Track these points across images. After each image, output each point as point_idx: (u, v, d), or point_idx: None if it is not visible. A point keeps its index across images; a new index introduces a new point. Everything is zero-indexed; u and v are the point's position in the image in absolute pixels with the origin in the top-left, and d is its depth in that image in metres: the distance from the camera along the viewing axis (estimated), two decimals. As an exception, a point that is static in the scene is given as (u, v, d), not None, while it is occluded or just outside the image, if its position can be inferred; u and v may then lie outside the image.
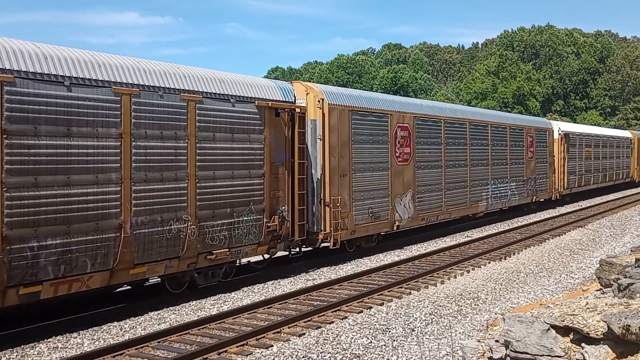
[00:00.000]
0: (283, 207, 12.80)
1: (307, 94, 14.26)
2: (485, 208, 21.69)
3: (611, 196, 34.78)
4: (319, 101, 14.21)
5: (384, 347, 8.41)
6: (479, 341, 6.30)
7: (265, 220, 12.39)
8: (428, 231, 19.60)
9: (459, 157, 20.01)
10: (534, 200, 25.66)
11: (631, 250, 7.93)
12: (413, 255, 15.35)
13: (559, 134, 28.80)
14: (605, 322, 4.47)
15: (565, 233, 19.58)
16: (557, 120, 45.01)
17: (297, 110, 13.38)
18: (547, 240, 18.10)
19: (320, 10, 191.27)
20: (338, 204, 14.43)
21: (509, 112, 45.39)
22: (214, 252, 11.29)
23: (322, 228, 14.15)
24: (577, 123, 57.75)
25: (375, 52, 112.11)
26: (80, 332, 9.19)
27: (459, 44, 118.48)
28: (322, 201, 14.15)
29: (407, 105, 18.01)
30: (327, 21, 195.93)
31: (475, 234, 19.84)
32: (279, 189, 12.81)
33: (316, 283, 12.32)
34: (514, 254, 15.77)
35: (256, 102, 12.27)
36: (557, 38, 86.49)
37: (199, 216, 10.99)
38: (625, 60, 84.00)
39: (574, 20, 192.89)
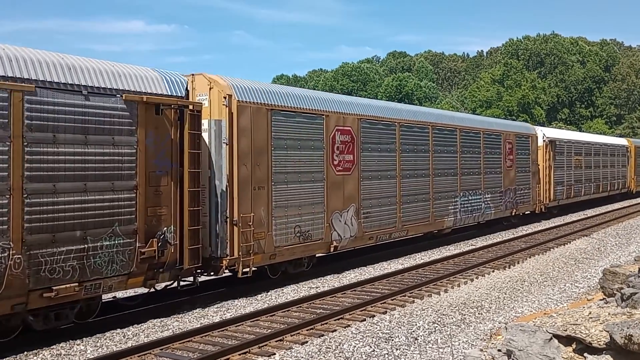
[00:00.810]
0: (167, 228, 10.29)
1: (210, 89, 11.95)
2: (453, 223, 19.18)
3: (604, 208, 32.67)
4: (225, 97, 11.81)
5: (386, 355, 8.39)
6: (481, 350, 6.28)
7: (138, 244, 9.84)
8: (381, 250, 17.20)
9: (419, 165, 17.58)
10: (514, 214, 23.26)
11: (635, 260, 7.89)
12: (417, 264, 15.32)
13: (544, 140, 26.62)
14: (608, 331, 4.45)
15: (570, 242, 19.50)
16: (545, 127, 42.51)
17: (190, 107, 10.76)
18: (551, 249, 18.03)
19: (325, 19, 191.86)
20: (250, 223, 11.91)
21: (513, 120, 43.69)
22: (55, 287, 8.75)
23: (229, 252, 11.68)
24: (583, 131, 57.38)
25: (380, 60, 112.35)
26: (84, 339, 9.21)
27: (464, 52, 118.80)
28: (228, 219, 11.66)
29: (350, 105, 15.34)
30: (332, 29, 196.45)
31: (480, 242, 19.78)
32: (160, 205, 10.25)
33: (319, 291, 12.30)
34: (518, 263, 15.71)
35: (123, 95, 9.71)
36: (562, 46, 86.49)
37: (29, 242, 8.47)
38: (631, 69, 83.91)
39: (579, 28, 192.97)
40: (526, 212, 25.09)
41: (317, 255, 14.23)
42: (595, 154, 33.61)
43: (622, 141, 41.35)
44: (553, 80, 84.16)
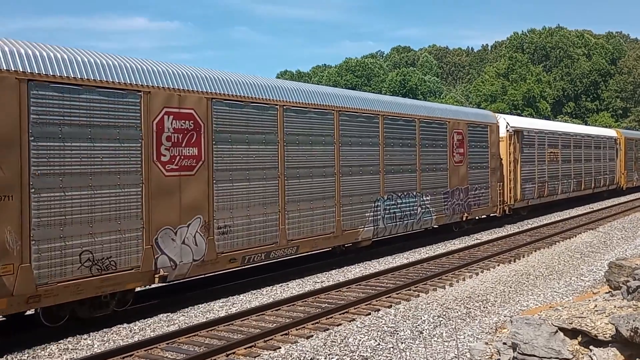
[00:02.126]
0: None
1: None
2: (374, 234, 15.37)
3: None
4: None
5: (391, 349, 8.40)
6: (487, 344, 6.28)
7: None
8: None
9: (318, 161, 13.64)
10: (465, 218, 19.52)
11: (641, 253, 7.87)
12: (422, 258, 15.32)
13: (508, 130, 22.71)
14: (614, 324, 4.45)
15: (575, 235, 19.45)
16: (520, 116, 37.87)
17: None
18: (557, 243, 17.99)
19: (328, 14, 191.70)
20: None
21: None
22: None
23: None
24: (589, 125, 56.39)
25: (384, 55, 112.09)
26: (91, 333, 9.26)
27: (468, 46, 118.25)
28: None
29: (190, 80, 11.01)
30: (334, 24, 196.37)
31: (485, 236, 19.76)
32: None
33: (324, 286, 12.32)
34: (523, 257, 15.69)
35: None
36: (568, 39, 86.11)
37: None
38: (637, 61, 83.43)
39: (585, 21, 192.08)
40: (484, 216, 21.70)
41: (136, 289, 10.31)
42: (577, 147, 29.85)
43: (610, 132, 37.23)
44: (558, 73, 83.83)
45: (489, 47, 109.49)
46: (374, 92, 62.63)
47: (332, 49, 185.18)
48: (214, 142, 11.28)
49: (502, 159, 22.32)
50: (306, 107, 13.42)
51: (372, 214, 15.29)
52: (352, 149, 14.75)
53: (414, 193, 16.96)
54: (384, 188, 15.78)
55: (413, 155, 17.05)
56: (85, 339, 9.03)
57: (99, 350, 8.46)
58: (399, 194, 16.33)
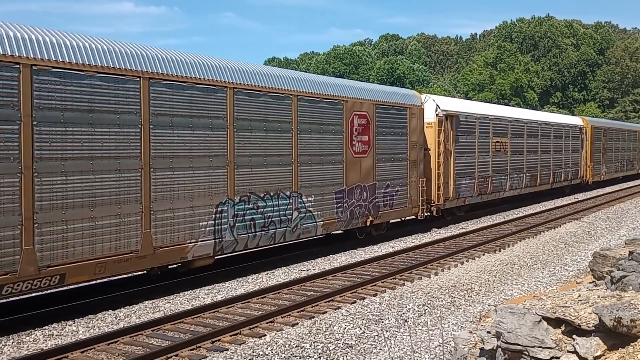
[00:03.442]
0: None
1: None
2: (216, 249, 11.43)
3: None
4: None
5: (376, 337, 8.44)
6: (471, 332, 6.31)
7: None
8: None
9: (102, 149, 9.47)
10: (370, 223, 15.71)
11: (625, 243, 7.94)
12: (407, 247, 15.38)
13: (438, 114, 18.69)
14: (597, 314, 4.48)
15: (560, 225, 19.62)
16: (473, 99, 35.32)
17: None
18: (542, 233, 18.14)
19: (316, 1, 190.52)
20: None
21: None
22: None
23: None
24: (575, 114, 55.36)
25: (373, 42, 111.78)
26: (76, 319, 9.21)
27: (456, 35, 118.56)
28: None
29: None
30: (322, 11, 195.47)
31: (470, 226, 19.87)
32: None
33: (310, 274, 12.34)
34: (508, 246, 15.81)
35: None
36: (557, 29, 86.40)
37: None
38: (625, 52, 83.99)
39: (574, 11, 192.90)
40: (396, 220, 17.73)
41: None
42: (532, 135, 25.97)
43: (575, 120, 33.40)
44: (546, 63, 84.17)
45: (478, 36, 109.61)
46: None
47: (320, 36, 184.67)
48: None
49: (429, 150, 18.50)
50: (133, 75, 9.96)
51: (211, 222, 11.26)
52: (174, 132, 10.55)
53: (288, 193, 13.07)
54: (235, 187, 11.81)
55: (287, 144, 13.05)
56: (70, 325, 8.97)
57: (84, 337, 8.41)
58: (262, 195, 12.44)
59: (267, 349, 7.86)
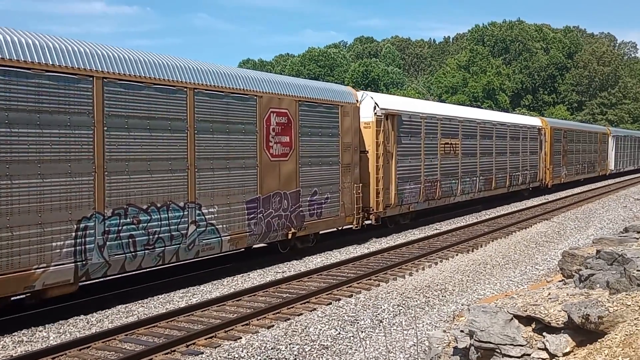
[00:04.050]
0: None
1: None
2: (78, 274, 9.47)
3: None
4: None
5: (352, 338, 8.48)
6: (445, 331, 6.39)
7: None
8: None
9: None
10: (293, 236, 13.96)
11: (593, 242, 8.12)
12: (382, 248, 15.47)
13: (376, 114, 17.13)
14: (566, 311, 4.58)
15: (531, 226, 19.95)
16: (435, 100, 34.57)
17: None
18: (513, 233, 18.43)
19: (291, 2, 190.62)
20: None
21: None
22: None
23: None
24: (545, 117, 55.25)
25: (347, 45, 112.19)
26: (46, 325, 9.06)
27: (430, 38, 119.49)
28: None
29: None
30: (297, 13, 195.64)
31: (444, 226, 20.08)
32: None
33: (286, 276, 12.33)
34: (481, 246, 16.02)
35: None
36: (527, 33, 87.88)
37: None
38: (593, 56, 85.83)
39: (544, 15, 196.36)
40: (334, 229, 16.57)
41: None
42: (486, 137, 24.56)
43: (533, 120, 32.25)
44: (517, 66, 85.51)
45: (451, 40, 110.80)
46: (337, 83, 62.30)
47: (295, 38, 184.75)
48: None
49: (367, 152, 16.93)
50: None
51: (70, 242, 9.29)
52: (18, 132, 8.69)
53: (182, 204, 11.07)
54: (106, 198, 9.79)
55: (180, 146, 11.05)
56: (40, 331, 8.82)
57: (55, 343, 8.28)
58: (145, 207, 10.44)
59: (242, 351, 7.84)
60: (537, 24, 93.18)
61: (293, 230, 13.99)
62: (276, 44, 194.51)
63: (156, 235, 10.64)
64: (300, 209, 14.26)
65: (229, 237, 12.18)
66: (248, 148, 12.72)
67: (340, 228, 16.66)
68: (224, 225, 12.07)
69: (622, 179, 44.87)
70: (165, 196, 10.83)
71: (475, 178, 23.57)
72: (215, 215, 11.87)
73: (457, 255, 14.78)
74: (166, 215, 10.86)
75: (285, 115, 13.75)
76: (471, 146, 23.26)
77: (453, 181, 21.79)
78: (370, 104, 17.23)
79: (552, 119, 39.52)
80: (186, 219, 11.21)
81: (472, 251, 15.39)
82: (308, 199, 14.53)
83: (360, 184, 16.36)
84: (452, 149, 21.64)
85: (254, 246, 13.83)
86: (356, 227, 16.41)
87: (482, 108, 36.19)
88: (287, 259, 14.14)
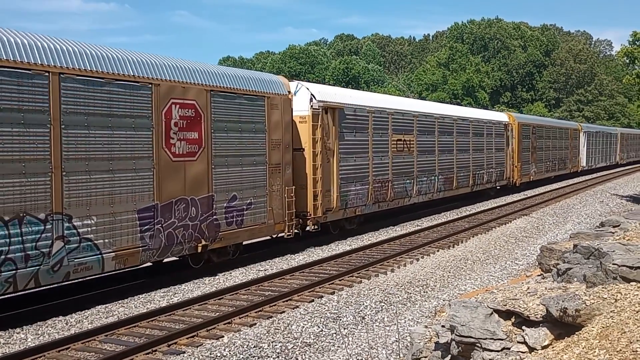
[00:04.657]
0: None
1: None
2: None
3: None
4: None
5: (334, 335, 8.50)
6: (426, 327, 6.44)
7: None
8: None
9: None
10: (203, 249, 12.00)
11: (570, 237, 8.24)
12: (364, 245, 15.52)
13: (313, 106, 15.22)
14: (544, 305, 4.64)
15: (510, 221, 20.17)
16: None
17: None
18: (493, 229, 18.61)
19: (271, 0, 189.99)
20: None
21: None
22: None
23: None
24: (523, 113, 55.81)
25: (328, 42, 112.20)
26: (24, 327, 8.93)
27: (410, 36, 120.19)
28: None
29: None
30: (277, 10, 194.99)
31: (425, 222, 20.21)
32: None
33: (268, 273, 12.31)
34: (462, 242, 16.15)
35: None
36: (505, 31, 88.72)
37: None
38: (569, 53, 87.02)
39: (521, 13, 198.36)
40: (267, 238, 14.99)
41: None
42: (444, 133, 22.79)
43: (499, 116, 30.62)
44: (496, 64, 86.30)
45: (431, 37, 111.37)
46: (317, 80, 62.03)
47: (276, 35, 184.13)
48: None
49: (302, 150, 15.10)
50: None
51: None
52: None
53: (42, 215, 9.08)
54: None
55: (39, 144, 9.09)
56: (18, 333, 8.70)
57: (33, 344, 8.17)
58: None
59: (224, 350, 7.82)
60: (515, 22, 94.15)
61: (204, 242, 11.91)
62: (257, 41, 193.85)
63: (2, 257, 8.55)
64: (214, 217, 12.20)
65: (113, 253, 10.14)
66: (140, 146, 10.64)
67: (274, 236, 14.78)
68: (107, 240, 10.01)
69: (594, 176, 43.24)
70: (15, 207, 8.68)
71: (433, 177, 21.91)
72: (94, 228, 9.81)
73: (438, 251, 14.88)
74: (18, 230, 8.74)
75: (192, 107, 11.71)
76: (428, 143, 21.64)
77: (408, 181, 20.12)
78: (305, 96, 15.38)
79: (520, 115, 37.87)
80: (49, 234, 9.15)
81: (453, 247, 15.52)
82: (225, 205, 12.46)
83: (294, 187, 14.49)
84: (406, 146, 19.91)
85: (165, 260, 11.98)
86: (288, 235, 14.35)
87: (461, 105, 35.44)
88: (270, 257, 14.08)
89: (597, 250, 5.49)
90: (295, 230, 14.73)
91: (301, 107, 15.25)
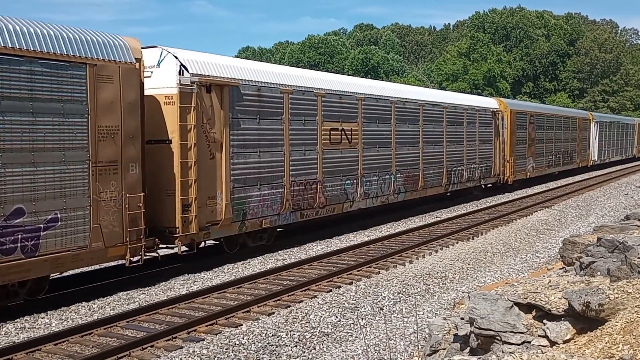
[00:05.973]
0: None
1: None
2: None
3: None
4: None
5: (352, 325, 8.51)
6: (445, 319, 6.41)
7: None
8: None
9: None
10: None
11: (594, 230, 8.13)
12: (382, 236, 15.49)
13: (180, 82, 11.23)
14: (567, 299, 4.58)
15: (532, 213, 19.96)
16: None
17: None
18: (514, 221, 18.43)
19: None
20: None
21: (479, 94, 34.25)
22: None
23: None
24: (546, 104, 53.93)
25: (347, 32, 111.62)
26: (49, 312, 9.10)
27: (430, 25, 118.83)
28: None
29: None
30: (295, 0, 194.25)
31: (444, 214, 20.08)
32: None
33: (286, 263, 12.36)
34: (481, 234, 16.04)
35: None
36: (528, 20, 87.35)
37: None
38: (594, 42, 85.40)
39: (545, 2, 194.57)
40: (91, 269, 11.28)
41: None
42: (405, 121, 18.56)
43: (487, 102, 25.94)
44: (518, 53, 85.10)
45: (451, 27, 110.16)
46: (336, 70, 61.43)
47: (294, 25, 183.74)
48: None
49: (169, 142, 11.25)
50: None
51: None
52: None
53: None
54: None
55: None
56: (42, 318, 8.86)
57: (57, 329, 8.32)
58: None
59: (243, 338, 7.88)
60: (538, 10, 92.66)
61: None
62: (275, 31, 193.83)
63: None
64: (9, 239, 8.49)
65: None
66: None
67: (103, 264, 11.07)
68: None
69: (607, 171, 38.28)
70: None
71: (388, 176, 17.75)
72: None
73: (457, 243, 14.80)
74: None
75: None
76: (381, 133, 17.45)
77: (348, 182, 16.01)
78: (172, 67, 11.29)
79: (515, 101, 33.45)
80: None
81: (473, 239, 15.41)
82: (17, 228, 8.59)
83: (142, 194, 10.34)
84: (344, 137, 15.76)
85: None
86: (133, 262, 10.34)
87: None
88: (288, 246, 14.11)
89: (621, 244, 5.41)
90: (153, 254, 10.86)
91: (167, 82, 11.30)
